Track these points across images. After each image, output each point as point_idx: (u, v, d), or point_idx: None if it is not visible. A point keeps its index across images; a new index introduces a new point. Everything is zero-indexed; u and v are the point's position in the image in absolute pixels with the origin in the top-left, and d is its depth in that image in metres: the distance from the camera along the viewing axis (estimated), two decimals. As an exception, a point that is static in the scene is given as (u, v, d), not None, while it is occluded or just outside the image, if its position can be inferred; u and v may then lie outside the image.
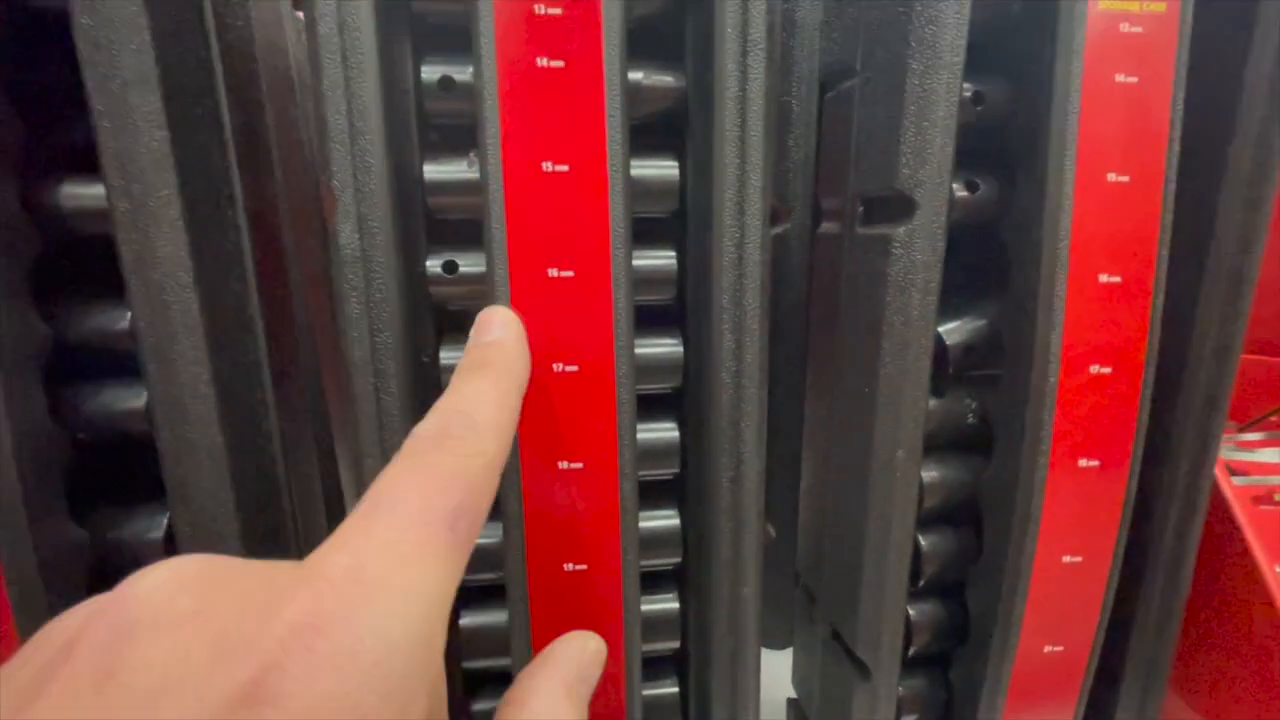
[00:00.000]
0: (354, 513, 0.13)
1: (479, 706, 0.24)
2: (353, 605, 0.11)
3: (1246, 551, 0.26)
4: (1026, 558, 0.22)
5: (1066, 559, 0.22)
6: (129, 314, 0.19)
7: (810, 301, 0.29)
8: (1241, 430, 0.51)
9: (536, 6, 0.18)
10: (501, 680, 0.20)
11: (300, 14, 0.35)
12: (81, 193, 0.19)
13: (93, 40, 0.16)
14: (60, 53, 0.17)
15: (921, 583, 0.25)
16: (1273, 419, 0.51)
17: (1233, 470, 0.45)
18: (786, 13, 0.28)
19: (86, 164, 0.18)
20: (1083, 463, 0.21)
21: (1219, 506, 0.27)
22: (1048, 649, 0.23)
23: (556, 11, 0.18)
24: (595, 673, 0.17)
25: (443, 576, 0.12)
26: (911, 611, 0.25)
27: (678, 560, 0.24)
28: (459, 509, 0.13)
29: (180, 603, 0.10)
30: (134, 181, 0.17)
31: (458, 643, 0.23)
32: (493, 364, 0.17)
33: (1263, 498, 0.40)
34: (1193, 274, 0.22)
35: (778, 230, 0.31)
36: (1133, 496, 0.22)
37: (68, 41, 0.17)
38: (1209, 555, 0.26)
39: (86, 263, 0.19)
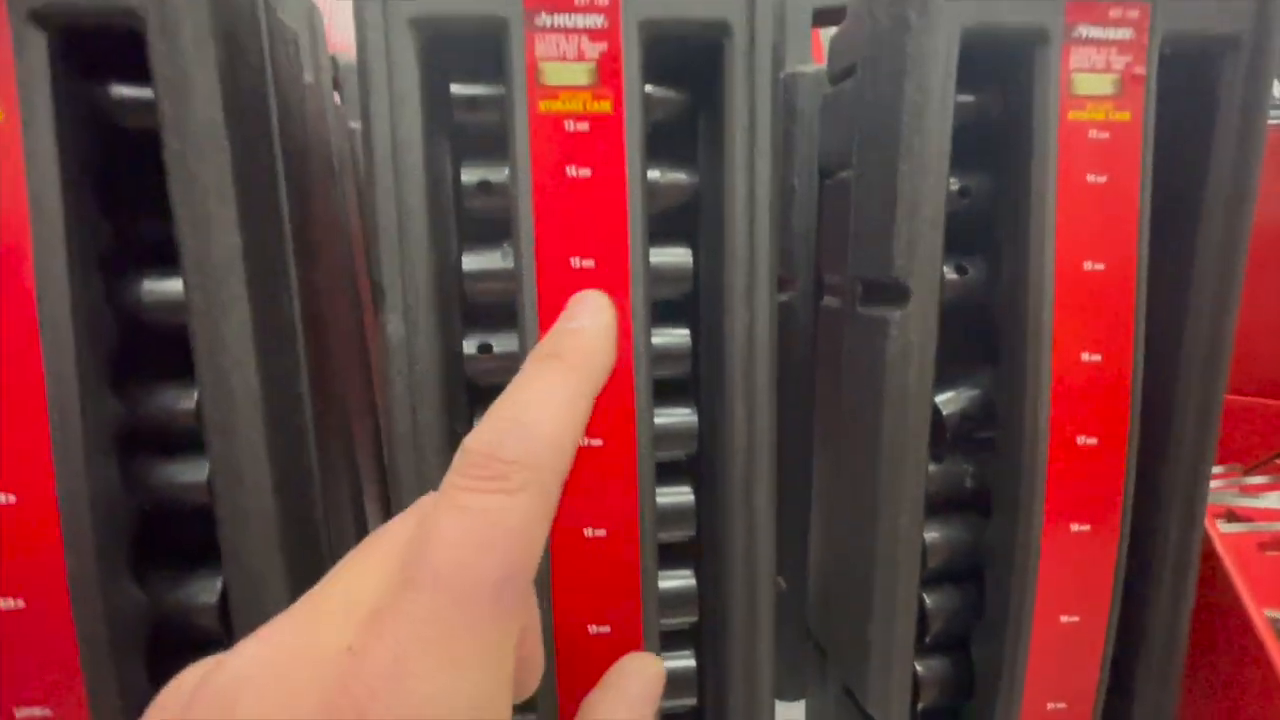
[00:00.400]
0: (398, 579, 0.12)
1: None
2: (401, 706, 0.11)
3: (1238, 602, 0.27)
4: (1026, 618, 0.23)
5: (1065, 619, 0.24)
6: (195, 394, 0.21)
7: (817, 365, 0.30)
8: (1246, 473, 0.52)
9: (566, 123, 0.20)
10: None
11: (339, 96, 0.38)
12: (158, 288, 0.21)
13: (180, 159, 0.19)
14: (144, 164, 0.19)
15: (928, 639, 0.26)
16: (1277, 462, 0.51)
17: (1235, 516, 0.45)
18: (788, 100, 0.31)
19: (159, 259, 0.21)
20: (1074, 527, 0.23)
21: (1211, 558, 0.28)
22: (1051, 706, 0.24)
23: (584, 128, 0.20)
24: (658, 693, 0.17)
25: (492, 656, 0.12)
26: (919, 668, 0.26)
27: (694, 620, 0.25)
28: (504, 573, 0.12)
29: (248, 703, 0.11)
30: (209, 279, 0.19)
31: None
32: (567, 356, 0.16)
33: (1268, 543, 0.41)
34: (1171, 349, 0.24)
35: (784, 298, 0.33)
36: (1124, 558, 0.23)
37: (151, 154, 0.19)
38: (1205, 608, 0.27)
39: (155, 346, 0.21)
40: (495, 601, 0.12)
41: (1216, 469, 0.50)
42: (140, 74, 0.19)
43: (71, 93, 0.19)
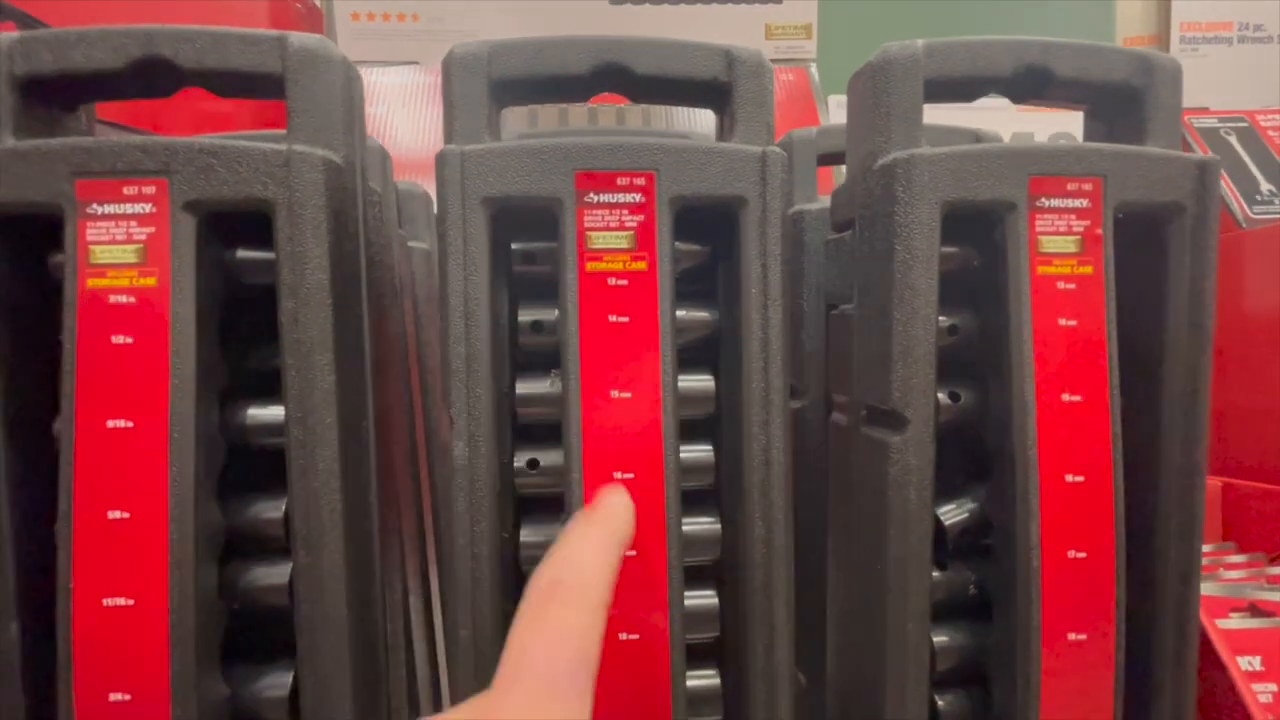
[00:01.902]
0: (499, 676, 0.16)
1: None
2: None
3: (1239, 702, 0.28)
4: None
5: (1069, 724, 0.25)
6: (283, 505, 0.24)
7: (830, 474, 0.33)
8: (1271, 563, 0.52)
9: (609, 280, 0.24)
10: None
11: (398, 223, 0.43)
12: (261, 414, 0.25)
13: (293, 317, 0.23)
14: (254, 311, 0.24)
15: (942, 741, 0.27)
16: (1302, 551, 0.51)
17: (1259, 610, 0.46)
18: (796, 235, 0.35)
19: (260, 390, 0.24)
20: (1071, 636, 0.25)
21: (1209, 655, 0.29)
22: (1062, 813, 0.25)
23: (623, 283, 0.24)
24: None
25: None
26: (934, 770, 0.27)
27: (719, 718, 0.27)
28: (577, 659, 0.17)
29: None
30: (308, 414, 0.23)
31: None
32: (599, 520, 0.21)
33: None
34: (1149, 467, 0.26)
35: (797, 404, 0.36)
36: (1122, 665, 0.25)
37: (260, 303, 0.23)
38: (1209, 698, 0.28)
39: (251, 463, 0.25)
40: (572, 681, 0.17)
41: (1239, 558, 0.50)
42: (258, 241, 0.23)
43: (208, 259, 0.23)
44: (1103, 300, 0.25)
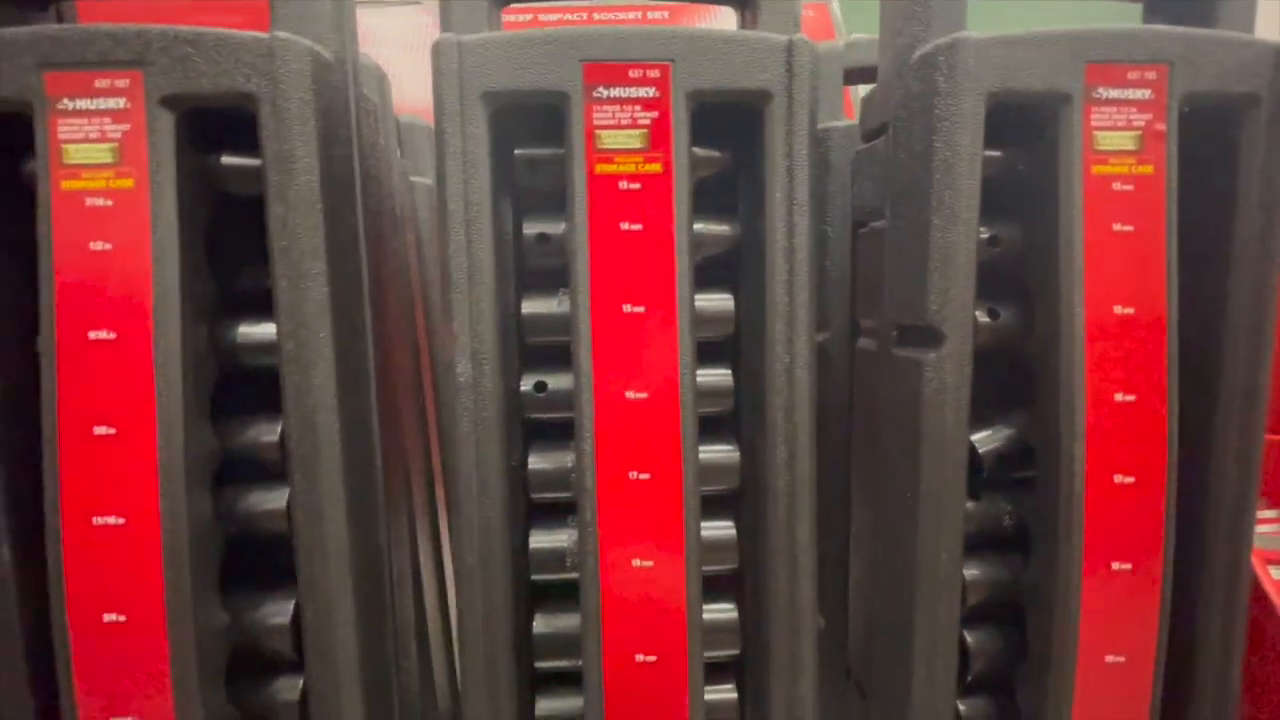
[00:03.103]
0: None
1: None
2: None
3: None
4: (1070, 657, 0.23)
5: (1110, 659, 0.24)
6: (277, 428, 0.23)
7: (853, 406, 0.31)
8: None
9: (621, 183, 0.22)
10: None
11: (400, 151, 0.41)
12: (254, 332, 0.23)
13: (282, 222, 0.21)
14: (244, 223, 0.22)
15: (970, 679, 0.26)
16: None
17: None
18: (821, 155, 0.33)
19: (254, 308, 0.23)
20: (1115, 565, 0.23)
21: (1260, 600, 0.28)
22: (1100, 750, 0.24)
23: (636, 187, 0.22)
24: None
25: None
26: (962, 707, 0.26)
27: (736, 653, 0.26)
28: None
29: None
30: (301, 328, 0.21)
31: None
32: None
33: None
34: (1207, 388, 0.24)
35: (819, 339, 0.34)
36: (1169, 597, 0.23)
37: (250, 214, 0.21)
38: (1257, 650, 0.26)
39: (246, 386, 0.24)
40: None
41: (1269, 513, 0.48)
42: (245, 147, 0.21)
43: (190, 163, 0.22)
44: (1163, 203, 0.22)
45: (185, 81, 0.21)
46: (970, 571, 0.26)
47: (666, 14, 0.66)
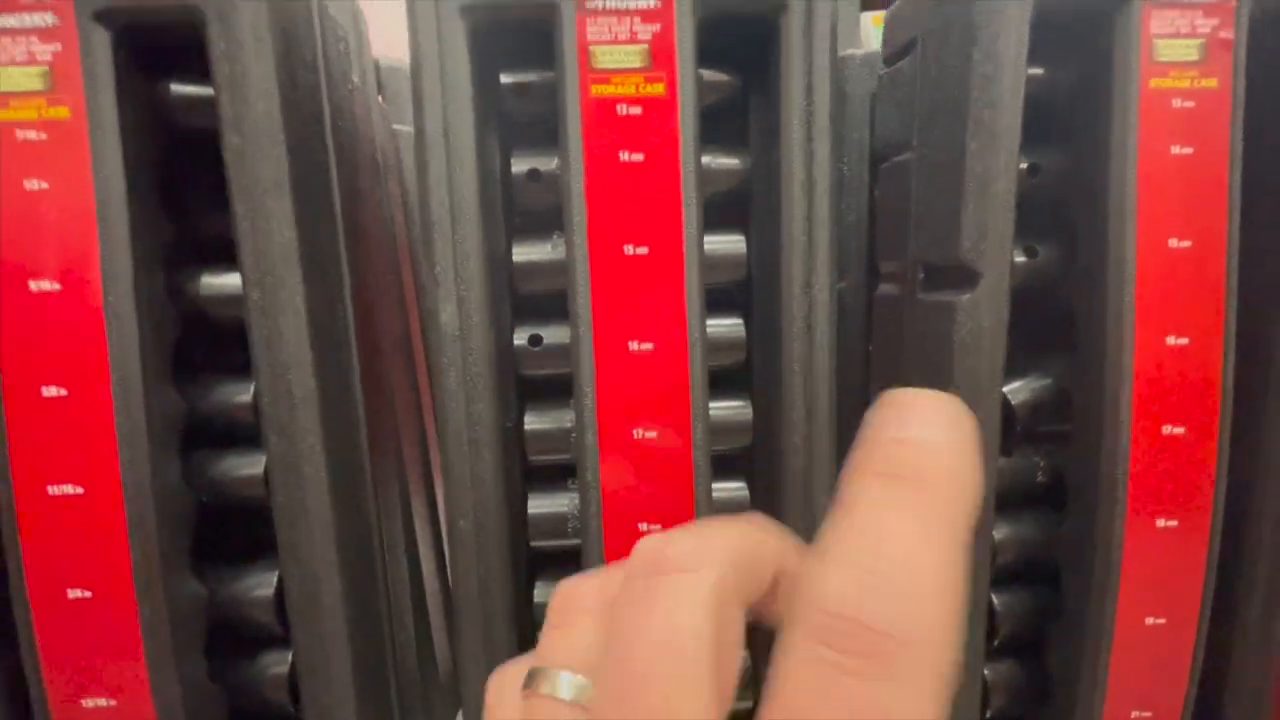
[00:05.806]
0: None
1: None
2: None
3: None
4: (1108, 619, 0.22)
5: (1150, 620, 0.22)
6: (251, 388, 0.21)
7: (872, 359, 0.29)
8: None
9: (619, 107, 0.20)
10: None
11: (382, 99, 0.39)
12: (217, 282, 0.21)
13: (239, 154, 0.19)
14: (203, 162, 0.20)
15: (998, 642, 0.25)
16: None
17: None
18: (836, 83, 0.30)
19: (220, 257, 0.21)
20: (1160, 523, 0.21)
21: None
22: (1135, 714, 0.23)
23: (636, 111, 0.20)
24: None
25: None
26: (988, 672, 0.25)
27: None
28: None
29: None
30: (267, 274, 0.19)
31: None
32: (930, 487, 0.11)
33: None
34: (1266, 332, 0.22)
35: (838, 287, 0.32)
36: (1215, 558, 0.22)
37: (209, 153, 0.19)
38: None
39: (215, 342, 0.22)
40: None
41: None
42: (200, 75, 0.19)
43: (134, 91, 0.19)
44: (1228, 123, 0.20)
45: (121, -7, 0.18)
46: (1000, 531, 0.24)
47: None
